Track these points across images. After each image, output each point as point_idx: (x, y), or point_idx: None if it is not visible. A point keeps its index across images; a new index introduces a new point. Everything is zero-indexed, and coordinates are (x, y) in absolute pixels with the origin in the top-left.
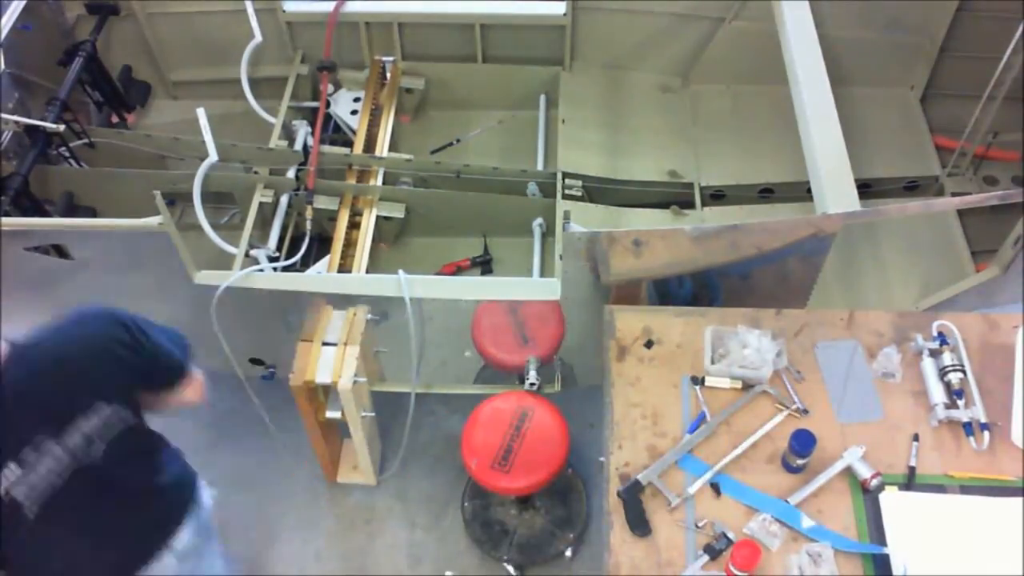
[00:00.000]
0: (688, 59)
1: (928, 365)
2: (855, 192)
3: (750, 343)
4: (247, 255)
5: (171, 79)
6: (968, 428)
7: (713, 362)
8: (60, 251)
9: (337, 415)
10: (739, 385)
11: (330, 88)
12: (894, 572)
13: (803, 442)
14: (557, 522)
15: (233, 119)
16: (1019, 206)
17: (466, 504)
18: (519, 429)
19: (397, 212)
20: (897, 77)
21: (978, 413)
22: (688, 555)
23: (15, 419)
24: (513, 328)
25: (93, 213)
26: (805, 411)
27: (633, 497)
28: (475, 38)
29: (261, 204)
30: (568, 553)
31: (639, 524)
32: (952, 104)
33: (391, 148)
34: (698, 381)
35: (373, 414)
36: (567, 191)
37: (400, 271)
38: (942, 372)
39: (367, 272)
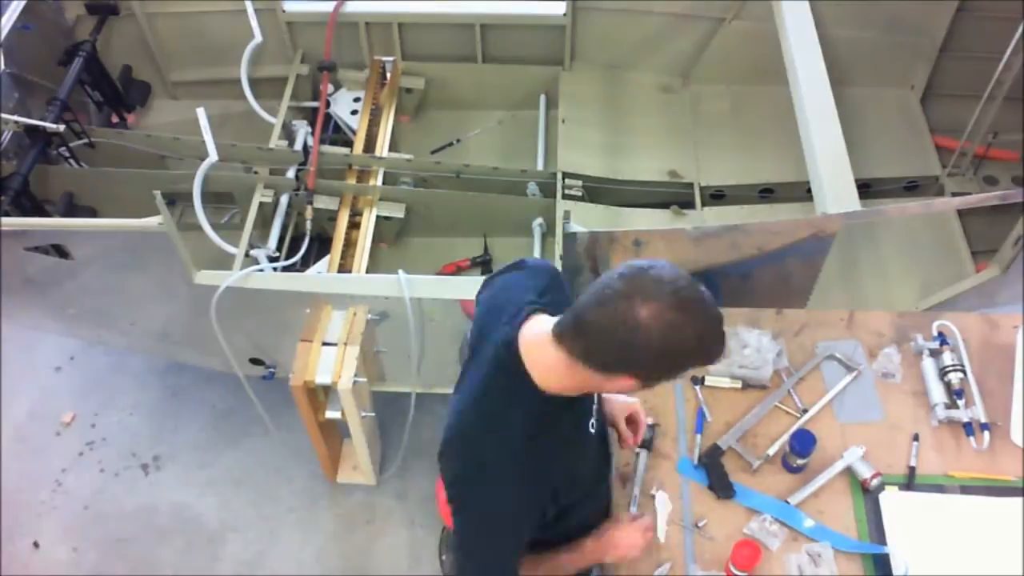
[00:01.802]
0: (688, 59)
1: (928, 365)
2: (855, 192)
3: (750, 343)
4: (247, 255)
5: (171, 79)
6: (968, 428)
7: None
8: (60, 251)
9: (337, 415)
10: (739, 384)
11: (330, 88)
12: (894, 572)
13: (803, 442)
14: None
15: (233, 119)
16: (1019, 206)
17: (443, 558)
18: None
19: (397, 212)
20: (897, 77)
21: (978, 413)
22: (687, 555)
23: None
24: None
25: (93, 213)
26: (805, 411)
27: (715, 461)
28: (475, 38)
29: (261, 204)
30: None
31: (723, 487)
32: (952, 104)
33: (391, 148)
34: (698, 381)
35: (373, 414)
36: (567, 191)
37: (400, 271)
38: (942, 372)
39: (367, 272)
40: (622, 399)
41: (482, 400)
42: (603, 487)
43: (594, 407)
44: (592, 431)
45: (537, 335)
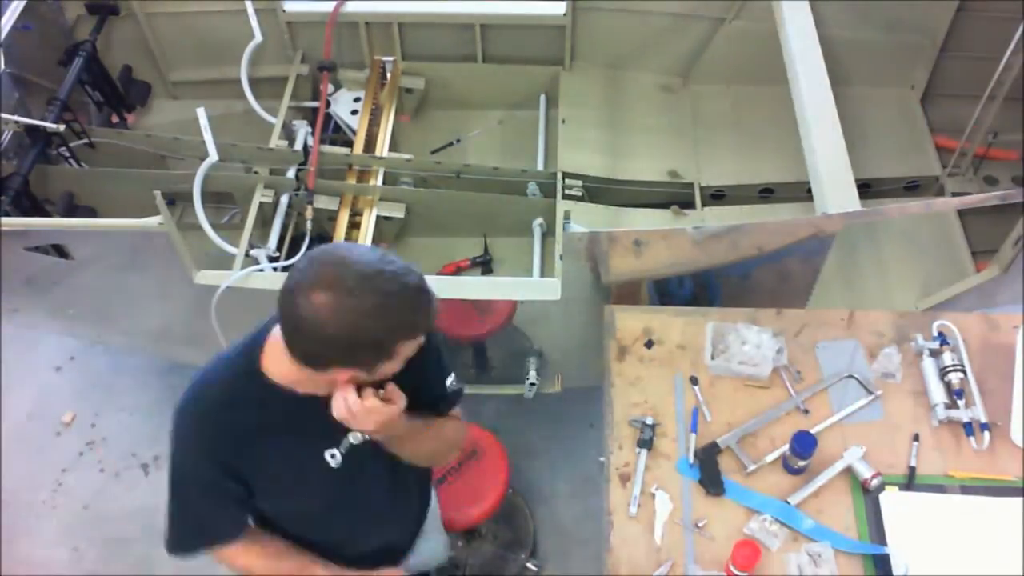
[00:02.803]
0: (688, 59)
1: (928, 365)
2: (855, 192)
3: (749, 339)
4: (247, 255)
5: (171, 79)
6: (968, 428)
7: (713, 357)
8: (60, 251)
9: None
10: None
11: (330, 88)
12: (894, 572)
13: (804, 444)
14: (506, 545)
15: (233, 119)
16: (1019, 206)
17: None
18: (460, 465)
19: (397, 212)
20: (897, 77)
21: (978, 413)
22: (688, 555)
23: None
24: (466, 300)
25: (93, 213)
26: (806, 411)
27: (710, 458)
28: (475, 38)
29: (261, 204)
30: (534, 568)
31: (714, 483)
32: (952, 104)
33: (391, 148)
34: (697, 381)
35: None
36: (567, 191)
37: None
38: (942, 372)
39: None
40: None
41: (207, 372)
42: (348, 526)
43: (345, 440)
44: (331, 462)
45: (276, 331)
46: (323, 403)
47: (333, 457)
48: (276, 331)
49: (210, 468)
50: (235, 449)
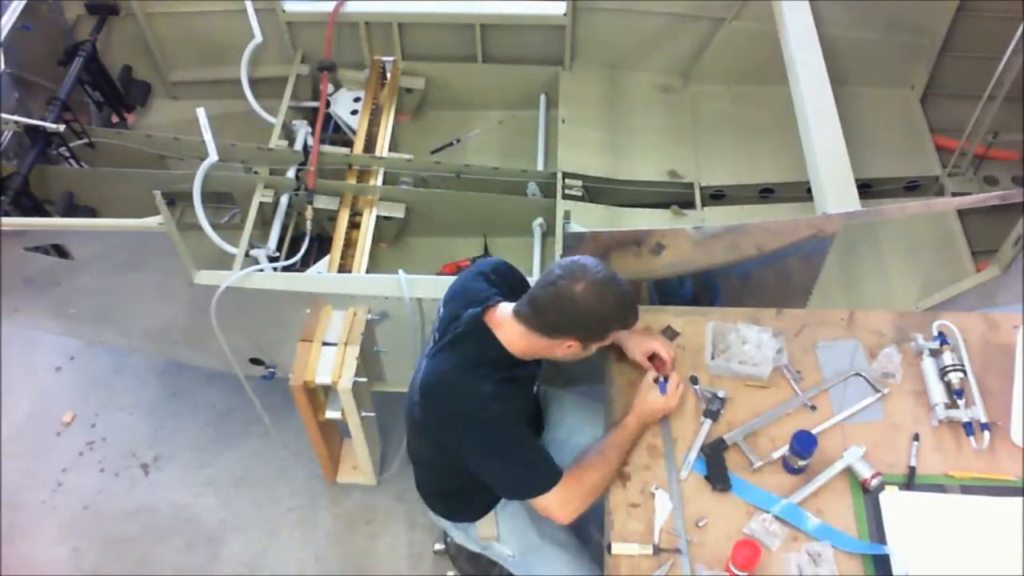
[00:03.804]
0: (688, 59)
1: (928, 365)
2: (855, 192)
3: (750, 339)
4: (247, 255)
5: (171, 79)
6: (968, 428)
7: (713, 357)
8: (60, 251)
9: (337, 415)
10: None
11: (330, 88)
12: (894, 572)
13: (804, 443)
14: None
15: (233, 119)
16: (1019, 206)
17: (449, 539)
18: None
19: (397, 212)
20: (897, 77)
21: (978, 413)
22: (688, 555)
23: None
24: None
25: (93, 213)
26: (812, 407)
27: (717, 454)
28: (475, 38)
29: (261, 204)
30: None
31: (720, 479)
32: (952, 104)
33: (391, 148)
34: (697, 381)
35: (373, 414)
36: (567, 191)
37: (400, 271)
38: (942, 372)
39: (367, 272)
40: (639, 338)
41: (456, 358)
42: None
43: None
44: (534, 392)
45: (503, 316)
46: (530, 362)
47: (537, 389)
48: (498, 318)
49: (522, 421)
50: (517, 401)
